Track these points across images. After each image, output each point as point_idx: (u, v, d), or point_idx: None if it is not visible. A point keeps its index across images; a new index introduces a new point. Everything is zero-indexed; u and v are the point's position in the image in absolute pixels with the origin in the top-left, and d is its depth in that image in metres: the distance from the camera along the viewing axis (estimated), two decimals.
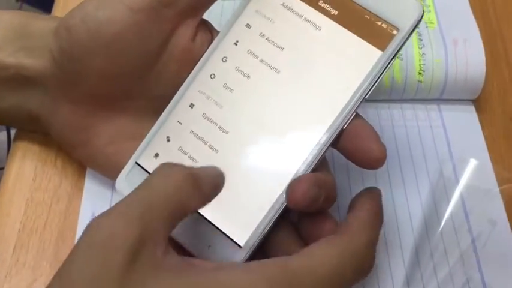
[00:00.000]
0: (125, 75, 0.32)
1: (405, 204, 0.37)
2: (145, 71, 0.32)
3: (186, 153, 0.31)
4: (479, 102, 0.41)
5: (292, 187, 0.29)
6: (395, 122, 0.40)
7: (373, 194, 0.31)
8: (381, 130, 0.39)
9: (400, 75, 0.39)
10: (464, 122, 0.40)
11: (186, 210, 0.25)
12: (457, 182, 0.36)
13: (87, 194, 0.36)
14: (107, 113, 0.33)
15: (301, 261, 0.26)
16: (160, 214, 0.24)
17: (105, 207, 0.35)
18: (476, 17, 0.42)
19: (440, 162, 0.38)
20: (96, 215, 0.35)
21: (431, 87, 0.39)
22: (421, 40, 0.40)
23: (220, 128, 0.31)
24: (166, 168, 0.26)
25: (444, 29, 0.41)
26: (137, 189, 0.25)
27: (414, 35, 0.40)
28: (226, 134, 0.31)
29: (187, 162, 0.31)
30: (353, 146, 0.30)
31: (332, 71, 0.31)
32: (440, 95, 0.40)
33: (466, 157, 0.37)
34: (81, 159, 0.36)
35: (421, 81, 0.39)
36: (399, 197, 0.37)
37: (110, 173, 0.34)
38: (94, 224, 0.24)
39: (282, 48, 0.32)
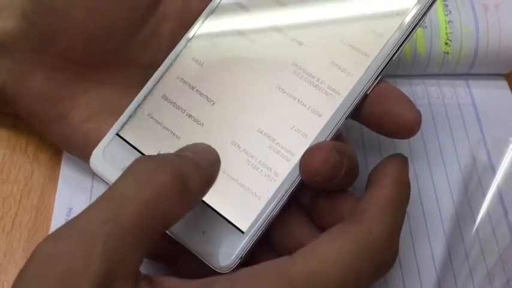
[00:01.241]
0: (110, 33, 0.26)
1: (433, 195, 0.31)
2: (134, 32, 0.27)
3: (168, 130, 0.26)
4: None
5: (308, 155, 0.24)
6: (419, 100, 0.35)
7: (397, 164, 0.25)
8: None
9: (423, 45, 0.34)
10: (496, 99, 0.35)
11: (169, 222, 0.20)
12: (493, 170, 0.31)
13: (63, 185, 0.31)
14: (88, 82, 0.28)
15: (304, 266, 0.20)
16: (134, 237, 0.18)
17: (85, 201, 0.31)
18: None
19: (471, 146, 0.33)
20: (74, 210, 0.31)
21: (459, 59, 0.34)
22: (447, 6, 0.35)
23: (211, 101, 0.26)
24: (145, 165, 0.20)
25: None
26: (104, 196, 0.19)
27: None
28: (218, 105, 0.26)
29: (172, 139, 0.26)
30: (380, 110, 0.25)
31: (354, 30, 0.26)
32: (469, 69, 0.35)
33: (501, 138, 0.32)
34: (56, 139, 0.30)
35: (447, 53, 0.34)
36: (426, 187, 0.32)
37: (89, 155, 0.29)
38: (45, 253, 0.18)
39: (288, 6, 0.27)
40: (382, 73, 0.25)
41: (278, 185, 0.24)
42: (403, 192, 0.24)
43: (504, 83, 0.36)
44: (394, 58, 0.25)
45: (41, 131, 0.30)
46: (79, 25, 0.26)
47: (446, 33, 0.34)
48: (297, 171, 0.24)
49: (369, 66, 0.25)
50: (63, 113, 0.28)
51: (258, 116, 0.25)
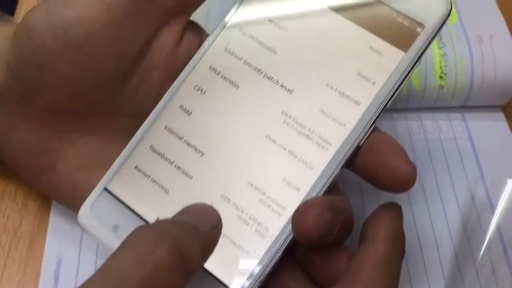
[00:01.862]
0: (97, 85, 0.26)
1: (431, 236, 0.31)
2: (122, 81, 0.26)
3: (156, 183, 0.25)
4: (510, 109, 0.35)
5: (300, 213, 0.23)
6: (414, 135, 0.34)
7: (390, 216, 0.24)
8: None
9: (418, 80, 0.34)
10: (493, 132, 0.34)
11: None
12: (492, 207, 0.30)
13: (52, 235, 0.30)
14: (75, 133, 0.27)
15: None
16: None
17: (75, 253, 0.30)
18: (500, 8, 0.36)
19: (469, 183, 0.32)
20: (64, 262, 0.30)
21: (455, 92, 0.34)
22: (441, 39, 0.34)
23: (200, 152, 0.25)
24: (143, 238, 0.20)
25: (466, 24, 0.35)
26: (102, 272, 0.19)
27: None
28: (207, 156, 0.25)
29: (160, 193, 0.25)
30: (373, 163, 0.24)
31: (345, 76, 0.25)
32: (465, 101, 0.34)
33: (500, 177, 0.31)
34: (45, 190, 0.30)
35: (442, 87, 0.34)
36: (424, 228, 0.31)
37: (79, 206, 0.28)
38: None
39: (278, 53, 0.26)
40: (375, 122, 0.25)
41: (270, 242, 0.24)
42: (398, 247, 0.23)
43: (501, 115, 0.35)
44: (388, 106, 0.25)
45: (29, 181, 0.30)
46: (64, 78, 0.25)
47: (440, 67, 0.33)
48: (290, 228, 0.23)
49: (361, 116, 0.24)
50: (50, 164, 0.27)
51: (247, 168, 0.25)
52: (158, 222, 0.22)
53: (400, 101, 0.34)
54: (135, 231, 0.20)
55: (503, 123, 0.35)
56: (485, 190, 0.31)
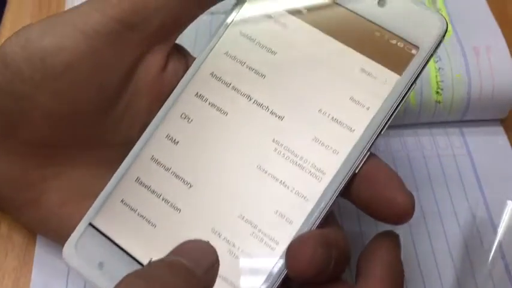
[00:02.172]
0: (79, 116, 0.25)
1: (432, 260, 0.30)
2: (105, 110, 0.25)
3: (143, 217, 0.24)
4: (509, 122, 0.34)
5: (293, 251, 0.22)
6: (411, 153, 0.33)
7: (387, 248, 0.24)
8: (394, 163, 0.32)
9: (414, 95, 0.32)
10: (492, 147, 0.33)
11: None
12: (493, 227, 0.29)
13: (38, 269, 0.29)
14: (58, 165, 0.26)
15: None
16: None
17: (61, 285, 0.29)
18: (496, 18, 0.35)
19: (469, 202, 0.31)
20: None
21: (452, 108, 0.33)
22: (436, 52, 0.33)
23: (188, 184, 0.24)
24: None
25: (462, 36, 0.34)
26: None
27: None
28: (196, 188, 0.24)
29: (147, 228, 0.24)
30: (369, 193, 0.23)
31: (337, 101, 0.24)
32: (463, 116, 0.33)
33: (502, 198, 0.30)
34: (29, 224, 0.29)
35: (439, 102, 0.32)
36: (424, 251, 0.30)
37: (65, 239, 0.27)
38: None
39: (267, 77, 0.25)
40: (370, 149, 0.24)
41: (263, 279, 0.22)
42: (395, 283, 0.22)
43: (500, 129, 0.34)
44: (383, 132, 0.24)
45: (12, 215, 0.29)
46: (44, 109, 0.24)
47: (437, 82, 0.32)
48: (283, 263, 0.22)
49: (355, 143, 0.23)
50: (33, 198, 0.26)
51: (238, 200, 0.24)
52: (150, 266, 0.21)
53: (396, 118, 0.33)
54: (124, 280, 0.19)
55: (502, 137, 0.34)
56: (486, 209, 0.30)
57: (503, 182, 0.32)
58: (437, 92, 0.32)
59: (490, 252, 0.29)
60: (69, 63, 0.23)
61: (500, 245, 0.29)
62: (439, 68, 0.33)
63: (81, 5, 0.24)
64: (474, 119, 0.34)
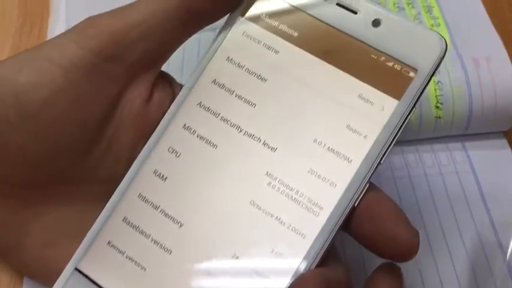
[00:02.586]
0: (60, 154, 0.23)
1: (437, 281, 0.28)
2: (87, 147, 0.24)
3: (132, 260, 0.23)
4: None
5: None
6: (412, 171, 0.32)
7: (388, 283, 0.22)
8: (395, 184, 0.31)
9: None
10: (497, 162, 0.32)
11: None
12: (503, 253, 0.28)
13: None
14: (40, 206, 0.25)
15: None
16: None
17: None
18: (495, 26, 0.34)
19: (476, 223, 0.30)
20: None
21: (453, 123, 0.31)
22: (436, 74, 0.32)
23: (178, 223, 0.23)
24: None
25: (460, 47, 0.33)
26: None
27: None
28: (187, 227, 0.23)
29: (137, 271, 0.23)
30: (371, 230, 0.22)
31: (333, 130, 0.23)
32: (465, 130, 0.32)
33: (509, 219, 0.28)
34: (14, 267, 0.27)
35: (439, 117, 0.31)
36: (430, 277, 0.28)
37: (52, 282, 0.26)
38: None
39: (258, 106, 0.23)
40: (370, 179, 0.22)
41: None
42: None
43: (504, 142, 0.33)
44: (382, 161, 0.22)
45: None
46: (21, 150, 0.23)
47: (436, 96, 0.31)
48: None
49: (354, 174, 0.22)
50: (17, 241, 0.25)
51: (232, 239, 0.22)
52: None
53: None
54: None
55: (507, 151, 0.32)
56: (494, 231, 0.29)
57: (510, 198, 0.30)
58: (437, 107, 0.31)
59: (499, 277, 0.28)
60: (46, 100, 0.22)
61: (509, 268, 0.28)
62: (438, 82, 0.31)
63: (58, 37, 0.23)
64: (477, 132, 0.32)
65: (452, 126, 0.31)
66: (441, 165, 0.32)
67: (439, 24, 0.34)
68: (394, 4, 0.35)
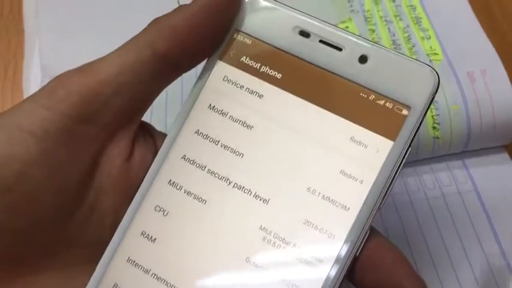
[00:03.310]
0: (39, 226, 0.22)
1: None
2: (68, 215, 0.22)
3: None
4: None
5: None
6: (413, 195, 0.30)
7: None
8: (396, 209, 0.30)
9: None
10: (499, 178, 0.31)
11: None
12: (510, 269, 0.27)
13: None
14: (27, 276, 0.23)
15: None
16: None
17: None
18: (489, 37, 0.32)
19: (483, 248, 0.28)
20: None
21: (452, 142, 0.30)
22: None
23: (171, 287, 0.22)
24: None
25: (453, 61, 0.31)
26: None
27: None
28: None
29: None
30: (374, 280, 0.21)
31: (326, 177, 0.21)
32: (464, 148, 0.31)
33: None
34: None
35: (437, 137, 0.30)
36: None
37: None
38: None
39: (245, 156, 0.22)
40: (369, 227, 0.21)
41: None
42: None
43: (505, 156, 0.31)
44: (382, 206, 0.21)
45: None
46: None
47: (432, 116, 0.30)
48: None
49: (353, 223, 0.21)
50: None
51: None
52: None
53: None
54: None
55: (508, 166, 0.31)
56: (502, 255, 0.28)
57: None
58: (434, 127, 0.30)
59: None
60: (20, 173, 0.20)
61: None
62: (434, 101, 0.30)
63: (27, 101, 0.21)
64: (477, 148, 0.31)
65: (451, 145, 0.30)
66: (442, 186, 0.30)
67: (429, 37, 0.33)
68: (381, 18, 0.34)
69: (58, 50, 0.33)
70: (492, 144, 0.31)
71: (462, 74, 0.31)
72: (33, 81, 0.34)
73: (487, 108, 0.30)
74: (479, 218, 0.29)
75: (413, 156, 0.31)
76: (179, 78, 0.24)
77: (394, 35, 0.33)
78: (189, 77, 0.30)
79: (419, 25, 0.33)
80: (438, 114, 0.30)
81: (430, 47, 0.32)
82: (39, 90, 0.22)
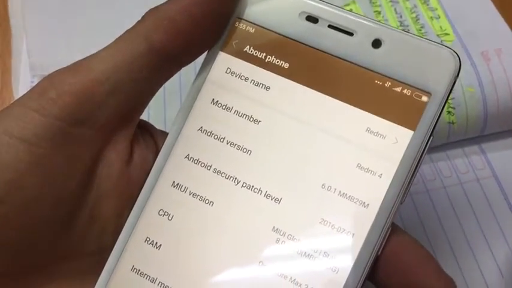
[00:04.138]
0: (37, 238, 0.21)
1: None
2: (67, 225, 0.21)
3: None
4: None
5: None
6: (429, 184, 0.29)
7: None
8: (413, 201, 0.28)
9: None
10: None
11: None
12: None
13: None
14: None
15: None
16: None
17: None
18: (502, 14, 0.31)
19: (505, 236, 0.27)
20: None
21: (468, 127, 0.29)
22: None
23: None
24: None
25: (466, 40, 0.30)
26: None
27: None
28: None
29: None
30: (399, 281, 0.19)
31: (343, 172, 0.20)
32: (480, 133, 0.29)
33: None
34: None
35: (452, 123, 0.28)
36: None
37: None
38: None
39: (254, 153, 0.20)
40: (391, 224, 0.19)
41: None
42: None
43: None
44: (403, 201, 0.19)
45: None
46: None
47: None
48: None
49: (373, 221, 0.19)
50: None
51: None
52: None
53: None
54: None
55: None
56: None
57: None
58: (449, 112, 0.28)
59: None
60: (12, 183, 0.19)
61: None
62: None
63: (16, 105, 0.20)
64: (494, 132, 0.30)
65: (467, 130, 0.29)
66: (459, 173, 0.29)
67: (438, 16, 0.31)
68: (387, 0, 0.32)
69: (46, 47, 0.31)
70: (510, 127, 0.30)
71: (476, 55, 0.29)
72: (22, 80, 0.32)
73: (504, 89, 0.28)
74: (500, 205, 0.28)
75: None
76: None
77: (401, 16, 0.32)
78: (187, 70, 0.29)
79: (428, 4, 0.32)
80: (453, 98, 0.28)
81: (440, 27, 0.30)
82: (29, 92, 0.20)
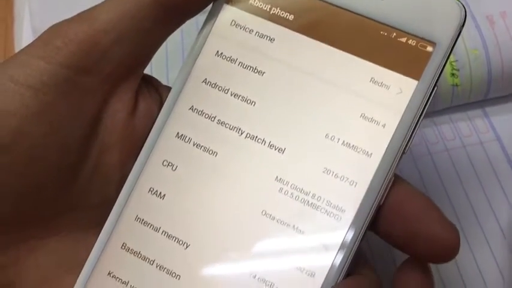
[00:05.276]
0: (42, 187, 0.21)
1: (474, 266, 0.26)
2: (72, 174, 0.21)
3: None
4: None
5: None
6: (432, 147, 0.29)
7: (417, 277, 0.19)
8: (415, 162, 0.28)
9: None
10: None
11: None
12: None
13: None
14: (32, 240, 0.22)
15: None
16: None
17: None
18: None
19: (509, 199, 0.27)
20: None
21: (472, 90, 0.29)
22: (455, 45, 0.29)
23: (184, 243, 0.20)
24: None
25: (470, 3, 0.30)
26: None
27: None
28: (194, 249, 0.20)
29: None
30: (403, 230, 0.19)
31: (346, 122, 0.20)
32: (485, 96, 0.29)
33: None
34: None
35: (456, 85, 0.28)
36: (466, 264, 0.26)
37: None
38: None
39: (258, 104, 0.21)
40: (393, 174, 0.19)
41: None
42: None
43: None
44: (406, 151, 0.20)
45: None
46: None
47: (451, 62, 0.28)
48: None
49: (376, 170, 0.19)
50: (9, 281, 0.22)
51: (247, 258, 0.20)
52: None
53: None
54: None
55: None
56: None
57: None
58: (453, 74, 0.28)
59: None
60: (18, 130, 0.19)
61: None
62: None
63: (21, 53, 0.20)
64: (498, 95, 0.30)
65: (471, 93, 0.29)
66: (462, 136, 0.29)
67: None
68: None
69: (49, 11, 0.31)
70: None
71: (481, 17, 0.29)
72: (25, 45, 0.32)
73: (509, 52, 0.28)
74: (503, 168, 0.28)
75: (431, 107, 0.29)
76: (179, 30, 0.22)
77: None
78: (190, 32, 0.29)
79: None
80: (457, 60, 0.28)
81: None
82: (34, 41, 0.20)
